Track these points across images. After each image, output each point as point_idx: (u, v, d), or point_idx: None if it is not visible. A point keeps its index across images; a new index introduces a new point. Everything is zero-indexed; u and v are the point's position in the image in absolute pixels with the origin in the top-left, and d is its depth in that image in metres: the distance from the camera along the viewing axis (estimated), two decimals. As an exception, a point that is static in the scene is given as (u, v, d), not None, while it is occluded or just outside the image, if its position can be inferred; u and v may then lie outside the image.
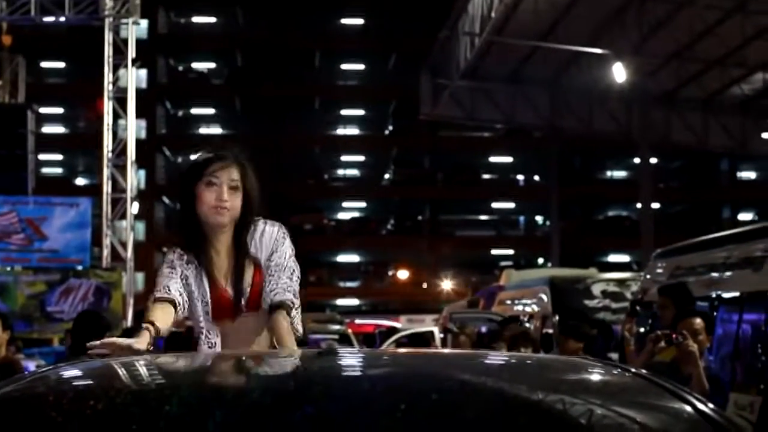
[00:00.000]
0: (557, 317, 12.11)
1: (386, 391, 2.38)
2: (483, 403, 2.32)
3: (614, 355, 11.19)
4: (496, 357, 3.70)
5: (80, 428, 2.17)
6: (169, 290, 4.18)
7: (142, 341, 3.84)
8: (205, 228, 4.27)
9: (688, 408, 2.34)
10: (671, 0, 26.61)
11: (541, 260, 56.44)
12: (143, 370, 2.69)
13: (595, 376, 2.69)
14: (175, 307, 4.16)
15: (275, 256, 4.28)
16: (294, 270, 4.30)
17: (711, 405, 2.38)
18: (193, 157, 4.39)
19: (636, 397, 2.44)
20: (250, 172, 4.29)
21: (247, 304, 4.27)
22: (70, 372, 2.72)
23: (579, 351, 8.71)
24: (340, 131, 64.08)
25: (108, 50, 24.73)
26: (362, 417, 2.19)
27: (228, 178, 4.21)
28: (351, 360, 3.00)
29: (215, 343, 4.28)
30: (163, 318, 4.08)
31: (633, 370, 2.70)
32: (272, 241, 4.31)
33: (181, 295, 4.20)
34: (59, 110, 58.99)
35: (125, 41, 24.81)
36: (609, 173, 64.02)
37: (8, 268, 24.00)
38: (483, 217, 63.39)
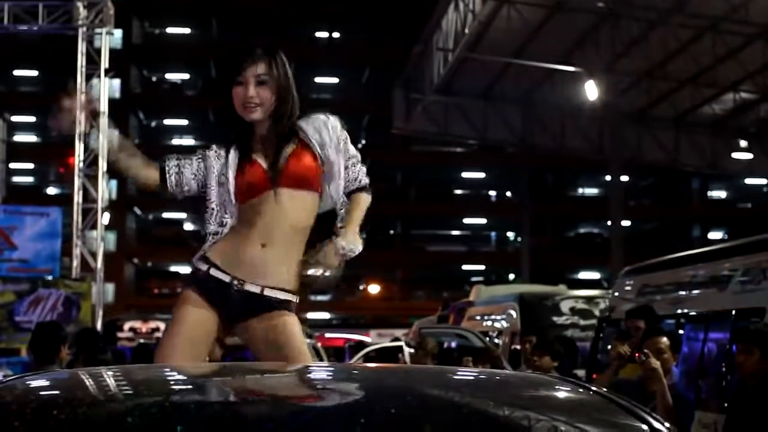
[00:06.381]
0: (536, 334, 12.19)
1: (344, 407, 2.41)
2: (430, 420, 2.33)
3: (581, 372, 11.25)
4: (455, 373, 3.71)
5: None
6: (167, 160, 4.44)
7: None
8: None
9: (644, 426, 2.38)
10: (644, 18, 26.74)
11: (512, 276, 56.49)
12: (110, 381, 2.70)
13: (553, 393, 2.72)
14: (162, 172, 4.42)
15: (349, 147, 4.55)
16: (358, 155, 4.60)
17: (667, 424, 2.41)
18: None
19: (592, 414, 2.47)
20: (280, 62, 4.32)
21: (280, 176, 4.25)
22: (37, 382, 2.74)
23: (552, 369, 8.77)
24: (313, 144, 63.87)
25: (81, 60, 24.68)
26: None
27: (253, 74, 4.26)
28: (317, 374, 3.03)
29: (226, 222, 4.31)
30: (139, 162, 4.52)
31: (593, 388, 2.73)
32: (333, 130, 4.55)
33: (177, 174, 4.39)
34: (31, 119, 58.66)
35: (99, 51, 24.75)
36: (580, 190, 64.16)
37: (-23, 278, 23.86)
38: (454, 233, 63.39)
